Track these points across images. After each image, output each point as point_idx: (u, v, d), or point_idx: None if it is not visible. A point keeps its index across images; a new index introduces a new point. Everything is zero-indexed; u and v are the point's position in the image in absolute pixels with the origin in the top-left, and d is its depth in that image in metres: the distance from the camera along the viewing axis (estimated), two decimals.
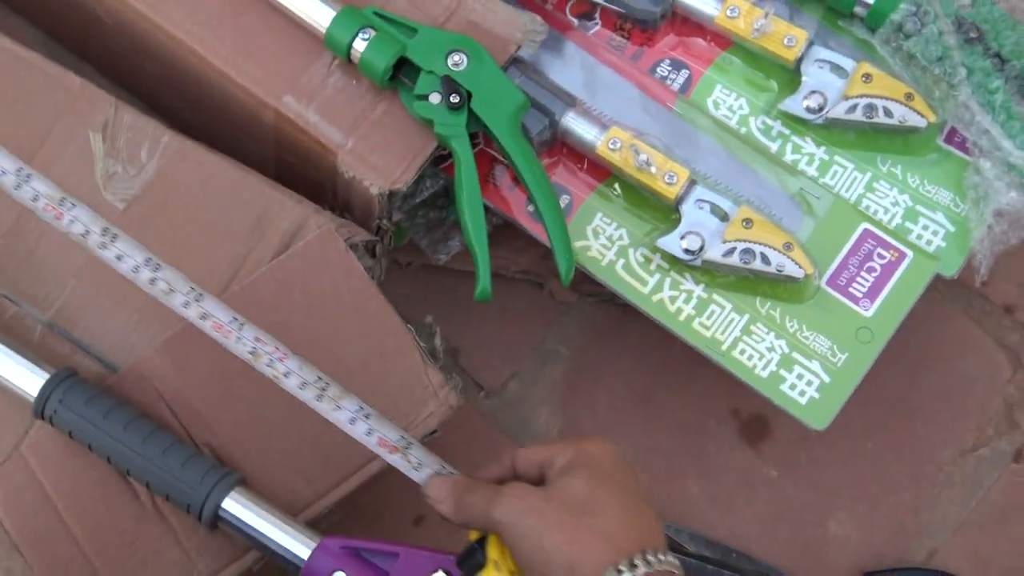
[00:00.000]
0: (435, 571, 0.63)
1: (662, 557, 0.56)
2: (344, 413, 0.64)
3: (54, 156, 0.75)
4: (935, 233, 0.76)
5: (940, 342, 0.84)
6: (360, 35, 0.73)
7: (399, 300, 0.85)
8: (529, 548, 0.57)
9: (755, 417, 0.83)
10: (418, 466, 0.65)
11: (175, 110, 0.86)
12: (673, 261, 0.75)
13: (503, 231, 0.82)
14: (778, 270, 0.73)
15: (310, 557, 0.65)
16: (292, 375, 0.65)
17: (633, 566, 0.54)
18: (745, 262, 0.73)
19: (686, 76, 0.80)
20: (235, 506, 0.66)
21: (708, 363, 0.79)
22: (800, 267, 0.73)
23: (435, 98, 0.73)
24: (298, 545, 0.65)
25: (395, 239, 0.83)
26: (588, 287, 0.85)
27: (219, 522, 0.67)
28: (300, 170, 0.80)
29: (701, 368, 0.82)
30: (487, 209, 0.78)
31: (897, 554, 0.80)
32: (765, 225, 0.73)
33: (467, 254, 0.81)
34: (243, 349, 0.65)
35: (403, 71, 0.74)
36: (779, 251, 0.73)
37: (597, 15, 0.82)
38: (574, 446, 0.61)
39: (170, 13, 0.77)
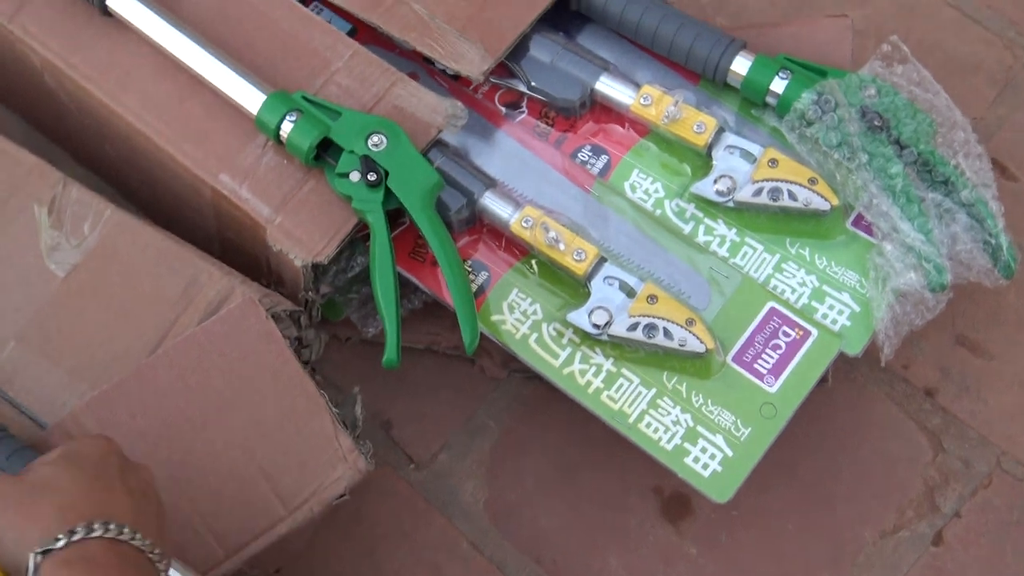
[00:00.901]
0: None
1: (113, 526, 0.57)
2: None
3: (5, 227, 0.80)
4: (840, 313, 0.77)
5: (862, 424, 0.84)
6: (287, 118, 0.78)
7: (337, 374, 0.89)
8: None
9: (676, 495, 0.84)
10: None
11: (134, 190, 0.91)
12: (584, 336, 0.77)
13: (435, 308, 0.85)
14: (680, 345, 0.75)
15: None
16: None
17: (73, 532, 0.56)
18: (649, 336, 0.75)
19: (605, 161, 0.83)
20: None
21: (631, 442, 0.80)
22: (701, 342, 0.75)
23: (355, 176, 0.77)
24: None
25: (332, 315, 0.87)
26: (517, 364, 0.87)
27: None
28: (239, 245, 0.84)
29: (624, 445, 0.83)
30: (415, 287, 0.82)
31: None
32: (669, 301, 0.76)
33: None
34: None
35: (329, 151, 0.78)
36: (682, 326, 0.75)
37: (524, 104, 0.86)
38: (67, 442, 0.64)
39: (124, 99, 0.83)
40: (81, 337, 0.78)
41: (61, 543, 0.56)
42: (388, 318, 0.75)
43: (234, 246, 0.84)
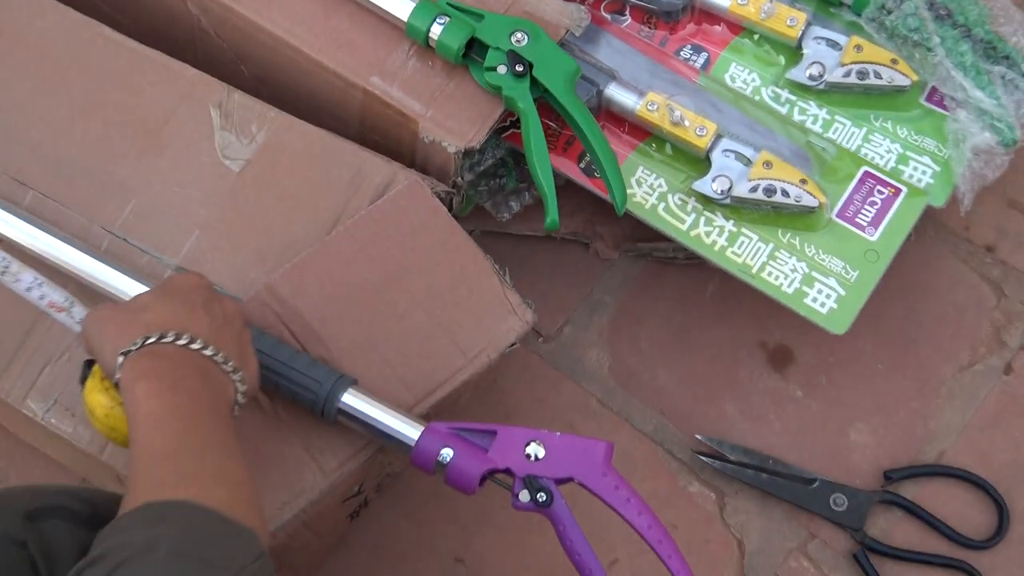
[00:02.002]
0: (529, 443, 0.75)
1: (186, 336, 0.67)
2: (22, 283, 0.80)
3: (178, 132, 0.89)
4: (924, 173, 0.90)
5: (934, 280, 0.97)
6: (437, 21, 0.87)
7: None
8: (94, 345, 0.69)
9: (779, 347, 0.95)
10: (80, 322, 0.79)
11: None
12: (706, 201, 0.89)
13: None
14: (796, 201, 0.87)
15: (419, 438, 0.76)
16: None
17: (148, 337, 0.67)
18: (768, 196, 0.87)
19: (705, 57, 0.95)
20: (353, 400, 0.78)
21: (736, 304, 0.92)
22: (815, 197, 0.86)
23: (502, 69, 0.87)
24: (409, 429, 0.77)
25: (462, 208, 0.96)
26: (628, 244, 0.98)
27: (339, 415, 0.78)
28: (382, 145, 0.93)
29: (729, 309, 0.95)
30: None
31: (910, 457, 0.92)
32: (783, 166, 0.87)
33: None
34: None
35: (473, 50, 0.88)
36: (796, 185, 0.87)
37: (627, 11, 0.97)
38: (167, 278, 0.75)
39: (272, 16, 0.92)
40: (260, 223, 0.86)
41: (138, 345, 0.67)
42: (547, 186, 0.85)
43: (378, 147, 0.93)
